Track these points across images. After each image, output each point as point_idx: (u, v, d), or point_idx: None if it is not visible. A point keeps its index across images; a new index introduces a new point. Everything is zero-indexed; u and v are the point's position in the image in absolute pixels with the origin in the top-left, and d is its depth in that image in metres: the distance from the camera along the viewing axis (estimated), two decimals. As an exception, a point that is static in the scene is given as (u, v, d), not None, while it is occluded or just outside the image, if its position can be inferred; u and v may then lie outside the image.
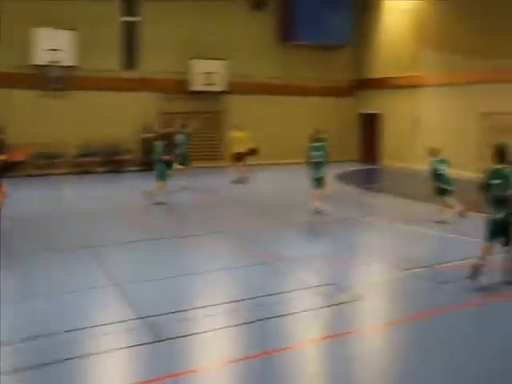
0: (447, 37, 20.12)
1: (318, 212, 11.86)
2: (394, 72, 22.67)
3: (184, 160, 16.06)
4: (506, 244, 7.15)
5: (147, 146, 20.16)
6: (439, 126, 20.05)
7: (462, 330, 6.06)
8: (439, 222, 11.19)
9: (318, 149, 11.97)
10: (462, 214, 11.19)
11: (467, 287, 7.31)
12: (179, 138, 16.29)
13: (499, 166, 7.11)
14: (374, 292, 7.34)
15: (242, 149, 17.28)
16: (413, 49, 21.72)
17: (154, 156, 13.56)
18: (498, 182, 7.02)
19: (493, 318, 6.41)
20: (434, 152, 11.67)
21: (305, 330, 6.00)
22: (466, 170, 18.82)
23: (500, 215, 7.01)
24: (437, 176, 11.41)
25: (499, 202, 6.99)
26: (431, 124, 20.57)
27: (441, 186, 11.36)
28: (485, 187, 7.21)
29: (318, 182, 11.95)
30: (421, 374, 5.04)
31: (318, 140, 12.28)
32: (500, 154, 7.15)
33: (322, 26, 22.19)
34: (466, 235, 10.27)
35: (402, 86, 22.15)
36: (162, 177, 13.38)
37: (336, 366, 5.28)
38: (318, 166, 11.88)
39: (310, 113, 23.14)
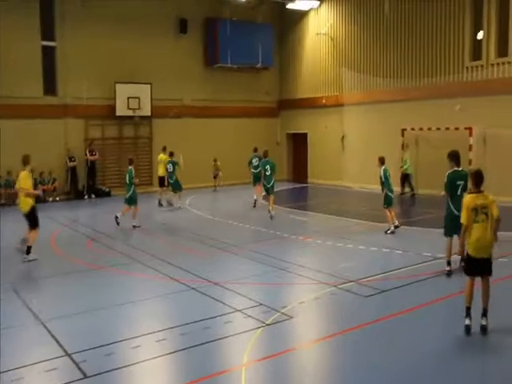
0: (365, 59, 21.17)
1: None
2: (318, 92, 23.50)
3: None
4: None
5: (72, 174, 19.72)
6: (364, 143, 20.81)
7: (390, 339, 6.25)
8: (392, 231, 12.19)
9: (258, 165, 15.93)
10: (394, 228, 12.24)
11: (393, 298, 7.58)
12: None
13: (459, 169, 8.44)
14: (306, 309, 7.44)
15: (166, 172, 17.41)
16: (334, 70, 22.63)
17: (128, 180, 13.68)
18: (460, 182, 8.36)
19: (419, 325, 6.66)
20: (382, 160, 12.56)
21: (239, 353, 5.96)
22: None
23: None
24: (383, 184, 12.38)
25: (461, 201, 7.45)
26: (356, 142, 21.34)
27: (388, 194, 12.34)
28: (451, 188, 8.42)
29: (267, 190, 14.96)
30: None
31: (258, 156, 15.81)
32: (457, 159, 8.47)
33: (245, 49, 22.70)
34: (390, 248, 10.67)
35: (325, 106, 22.93)
36: (133, 201, 13.60)
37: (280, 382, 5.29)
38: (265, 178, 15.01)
39: (237, 134, 23.40)
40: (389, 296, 7.74)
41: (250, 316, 7.02)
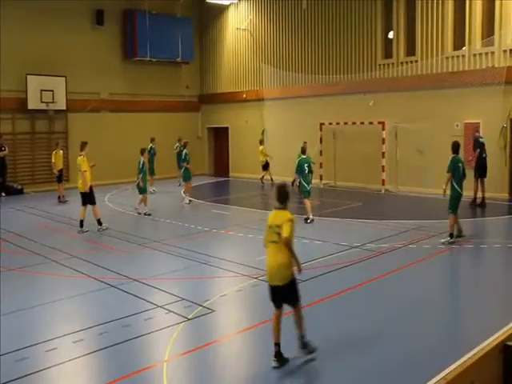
0: (284, 55, 21.49)
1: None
2: (238, 87, 23.58)
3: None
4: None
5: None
6: (284, 137, 21.12)
7: (308, 328, 6.38)
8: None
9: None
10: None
11: (313, 288, 7.76)
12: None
13: (457, 155, 9.92)
14: (227, 302, 7.45)
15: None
16: (254, 65, 22.78)
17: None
18: (460, 165, 9.89)
19: (333, 312, 6.86)
20: (304, 149, 12.88)
21: (161, 349, 5.84)
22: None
23: (462, 192, 9.89)
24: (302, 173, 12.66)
25: (462, 182, 9.82)
26: (276, 136, 21.60)
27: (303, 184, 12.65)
28: (454, 168, 9.84)
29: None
30: (278, 372, 5.21)
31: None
32: (455, 147, 9.99)
33: (164, 43, 22.31)
34: (309, 239, 10.92)
35: (246, 100, 23.03)
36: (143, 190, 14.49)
37: (201, 377, 5.25)
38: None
39: (158, 129, 22.92)
40: (308, 285, 7.89)
41: (171, 311, 6.91)
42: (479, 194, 14.46)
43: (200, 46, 25.15)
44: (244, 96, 23.17)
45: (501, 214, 13.84)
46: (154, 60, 22.54)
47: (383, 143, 17.98)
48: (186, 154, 16.38)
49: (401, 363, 5.35)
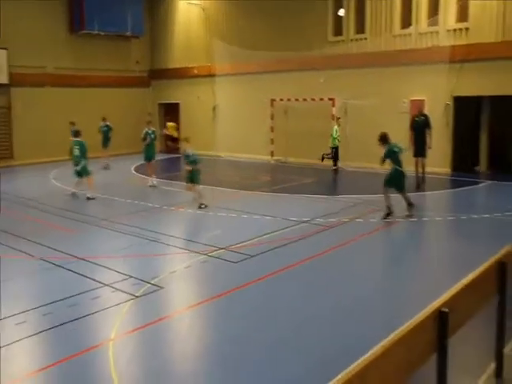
0: (237, 32, 21.12)
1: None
2: (190, 62, 23.12)
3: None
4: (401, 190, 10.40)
5: None
6: (235, 113, 20.98)
7: (257, 301, 6.42)
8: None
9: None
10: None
11: (262, 262, 7.79)
12: None
13: (390, 144, 10.36)
14: (177, 279, 7.38)
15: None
16: (206, 40, 22.32)
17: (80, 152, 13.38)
18: (396, 150, 10.29)
19: (283, 286, 6.91)
20: (187, 140, 12.51)
21: (107, 328, 5.73)
22: (260, 153, 20.18)
23: (401, 169, 10.25)
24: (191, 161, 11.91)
25: (399, 161, 10.26)
26: (228, 112, 21.42)
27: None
28: (390, 154, 10.27)
29: None
30: (228, 345, 5.21)
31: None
32: (384, 139, 10.39)
33: (113, 16, 21.55)
34: (260, 214, 10.94)
35: (197, 76, 22.64)
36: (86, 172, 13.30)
37: (148, 354, 5.18)
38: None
39: (107, 105, 22.26)
40: (257, 260, 7.93)
41: (118, 290, 6.78)
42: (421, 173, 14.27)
43: (150, 20, 24.41)
44: (195, 72, 22.77)
45: (443, 188, 14.31)
46: (103, 34, 21.74)
47: (333, 119, 18.11)
48: (152, 132, 15.12)
49: (338, 337, 5.45)
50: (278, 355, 5.02)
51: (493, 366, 4.19)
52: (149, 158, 15.07)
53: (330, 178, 16.78)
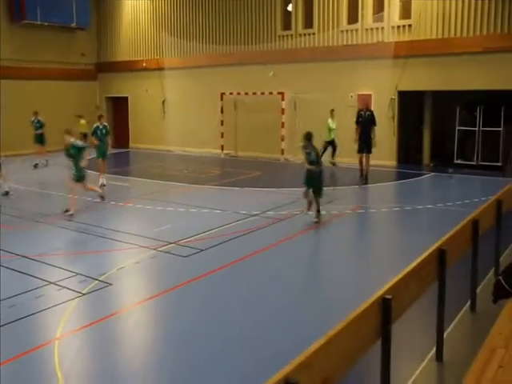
0: (186, 26, 20.89)
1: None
2: (138, 55, 22.71)
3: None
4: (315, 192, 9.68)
5: None
6: (185, 107, 20.76)
7: (207, 295, 6.39)
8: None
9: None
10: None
11: (212, 256, 7.76)
12: None
13: (308, 144, 9.82)
14: (125, 275, 7.24)
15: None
16: (154, 33, 21.96)
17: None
18: (308, 151, 9.79)
19: (233, 279, 6.92)
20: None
21: (52, 327, 5.55)
22: (210, 147, 20.07)
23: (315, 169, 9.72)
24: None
25: (314, 163, 9.73)
26: (177, 106, 21.16)
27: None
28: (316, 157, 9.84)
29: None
30: (179, 339, 5.16)
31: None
32: (308, 137, 9.87)
33: (58, 7, 20.80)
34: (209, 208, 10.88)
35: (146, 69, 22.24)
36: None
37: (95, 352, 5.05)
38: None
39: (51, 98, 21.53)
40: (207, 254, 7.90)
41: (64, 287, 6.58)
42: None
43: (97, 12, 23.74)
44: (144, 65, 22.35)
45: (388, 180, 14.70)
46: (46, 24, 20.94)
47: (283, 113, 18.26)
48: (103, 127, 13.73)
49: (287, 323, 5.52)
50: (229, 349, 5.02)
51: (434, 350, 4.35)
52: (99, 154, 13.62)
53: (280, 171, 16.91)
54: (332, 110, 16.11)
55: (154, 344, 5.34)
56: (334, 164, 15.94)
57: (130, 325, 5.79)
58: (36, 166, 17.25)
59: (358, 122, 13.61)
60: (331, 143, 15.97)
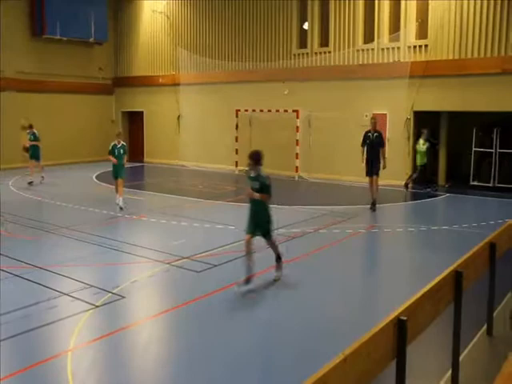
0: (203, 42, 21.18)
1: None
2: (154, 71, 23.01)
3: None
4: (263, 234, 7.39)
5: None
6: (200, 123, 20.94)
7: (220, 311, 6.40)
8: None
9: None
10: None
11: (225, 272, 7.78)
12: None
13: (254, 167, 7.31)
14: (139, 288, 7.29)
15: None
16: (171, 49, 22.29)
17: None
18: (253, 175, 7.31)
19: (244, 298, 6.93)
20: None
21: (65, 339, 5.59)
22: (224, 163, 20.19)
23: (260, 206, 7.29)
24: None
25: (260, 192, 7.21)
26: (192, 121, 21.36)
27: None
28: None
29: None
30: (191, 354, 5.16)
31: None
32: (256, 157, 7.35)
33: (76, 22, 21.29)
34: (224, 224, 10.93)
35: (162, 85, 22.53)
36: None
37: (108, 365, 5.08)
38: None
39: (69, 111, 21.92)
40: (221, 270, 7.92)
41: (78, 299, 6.64)
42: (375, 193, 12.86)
43: (114, 27, 24.19)
44: (160, 80, 22.66)
45: (403, 201, 14.65)
46: (65, 39, 21.41)
47: (297, 131, 18.34)
48: (121, 146, 12.95)
49: (308, 346, 5.50)
50: (241, 366, 5.02)
51: (449, 372, 4.31)
52: (116, 174, 12.88)
53: (293, 189, 16.94)
54: (424, 128, 15.23)
55: (167, 359, 5.35)
56: (407, 186, 15.37)
57: (142, 339, 5.81)
58: (31, 183, 16.20)
59: (364, 144, 12.71)
60: (424, 168, 15.27)
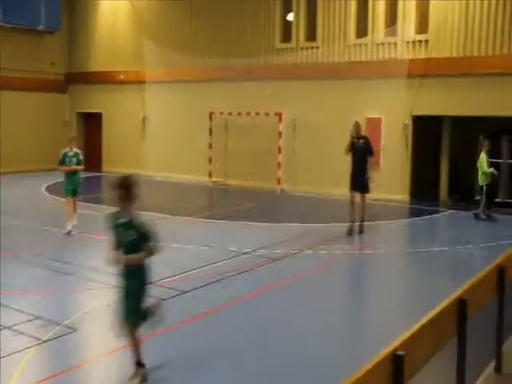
0: (172, 33, 21.15)
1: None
2: (115, 66, 22.84)
3: None
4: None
5: None
6: (168, 127, 20.83)
7: (193, 345, 6.36)
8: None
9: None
10: None
11: (194, 299, 7.74)
12: None
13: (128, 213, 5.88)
14: (94, 319, 7.20)
15: None
16: (135, 43, 22.17)
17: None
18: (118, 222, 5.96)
19: (214, 327, 6.90)
20: None
21: (5, 380, 5.47)
22: (196, 174, 20.10)
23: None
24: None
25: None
26: (159, 125, 21.23)
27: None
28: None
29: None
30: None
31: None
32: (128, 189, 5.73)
33: (22, 5, 21.01)
34: (194, 244, 10.89)
35: (124, 82, 22.44)
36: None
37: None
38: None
39: (12, 111, 21.62)
40: (189, 297, 7.88)
41: (22, 333, 6.50)
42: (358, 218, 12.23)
43: (69, 14, 24.03)
44: (121, 77, 22.58)
45: (400, 218, 14.80)
46: (8, 26, 21.17)
47: (280, 137, 18.43)
48: (74, 155, 12.06)
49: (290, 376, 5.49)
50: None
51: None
52: (69, 191, 11.89)
53: (275, 203, 17.00)
54: (484, 141, 14.14)
55: (125, 402, 5.28)
56: (489, 216, 14.15)
57: (95, 379, 5.73)
58: None
59: (348, 152, 12.30)
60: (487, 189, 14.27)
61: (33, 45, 22.88)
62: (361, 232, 12.09)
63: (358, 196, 12.07)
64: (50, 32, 23.07)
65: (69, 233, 11.54)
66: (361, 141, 12.16)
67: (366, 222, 12.38)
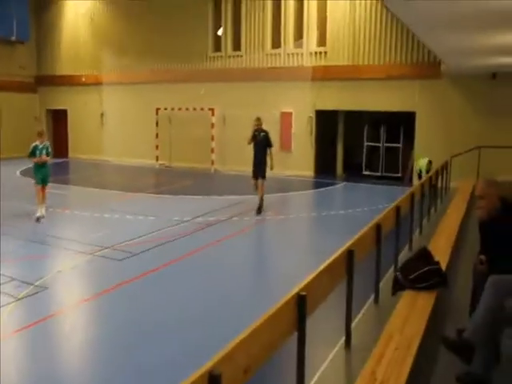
0: (125, 43, 20.25)
1: None
2: (78, 70, 21.74)
3: None
4: None
5: None
6: (122, 121, 20.19)
7: (144, 295, 6.25)
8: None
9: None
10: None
11: (145, 259, 7.60)
12: None
13: None
14: (62, 279, 6.92)
15: None
16: (93, 48, 21.18)
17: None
18: None
19: (164, 281, 6.81)
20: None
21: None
22: (146, 158, 19.67)
23: None
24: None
25: None
26: (115, 119, 20.53)
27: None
28: None
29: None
30: (114, 340, 4.98)
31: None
32: None
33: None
34: (144, 215, 10.65)
35: (85, 84, 21.41)
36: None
37: (29, 356, 4.75)
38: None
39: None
40: (141, 258, 7.72)
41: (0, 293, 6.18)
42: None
43: (37, 26, 22.46)
44: (83, 80, 21.52)
45: (306, 189, 15.08)
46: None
47: (213, 127, 18.24)
48: (43, 147, 10.58)
49: (219, 327, 5.51)
50: (159, 341, 4.93)
51: (343, 338, 4.50)
52: (39, 180, 10.54)
53: (210, 181, 16.88)
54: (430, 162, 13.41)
55: (89, 346, 5.13)
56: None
57: (65, 328, 5.53)
58: None
59: (251, 142, 11.14)
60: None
61: (6, 53, 21.34)
62: (260, 211, 10.88)
63: (259, 182, 11.02)
64: (21, 42, 21.55)
65: (38, 219, 10.08)
66: (262, 134, 10.95)
67: (280, 194, 12.56)
